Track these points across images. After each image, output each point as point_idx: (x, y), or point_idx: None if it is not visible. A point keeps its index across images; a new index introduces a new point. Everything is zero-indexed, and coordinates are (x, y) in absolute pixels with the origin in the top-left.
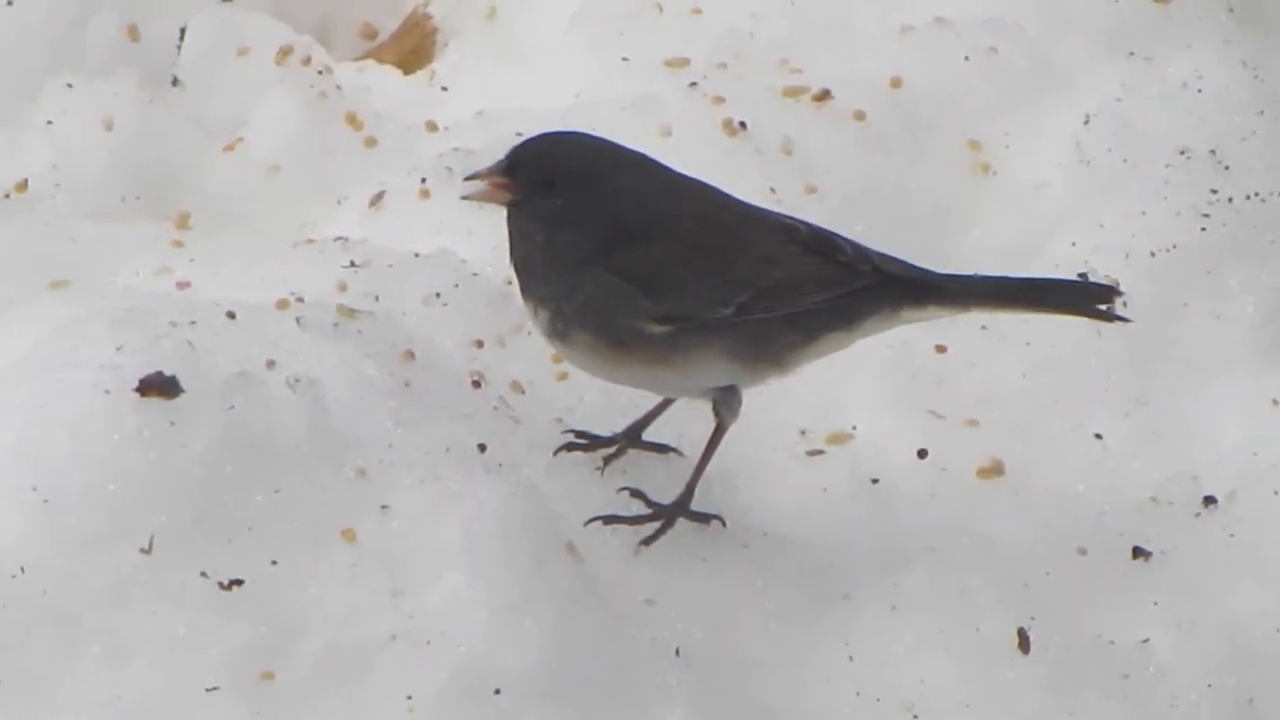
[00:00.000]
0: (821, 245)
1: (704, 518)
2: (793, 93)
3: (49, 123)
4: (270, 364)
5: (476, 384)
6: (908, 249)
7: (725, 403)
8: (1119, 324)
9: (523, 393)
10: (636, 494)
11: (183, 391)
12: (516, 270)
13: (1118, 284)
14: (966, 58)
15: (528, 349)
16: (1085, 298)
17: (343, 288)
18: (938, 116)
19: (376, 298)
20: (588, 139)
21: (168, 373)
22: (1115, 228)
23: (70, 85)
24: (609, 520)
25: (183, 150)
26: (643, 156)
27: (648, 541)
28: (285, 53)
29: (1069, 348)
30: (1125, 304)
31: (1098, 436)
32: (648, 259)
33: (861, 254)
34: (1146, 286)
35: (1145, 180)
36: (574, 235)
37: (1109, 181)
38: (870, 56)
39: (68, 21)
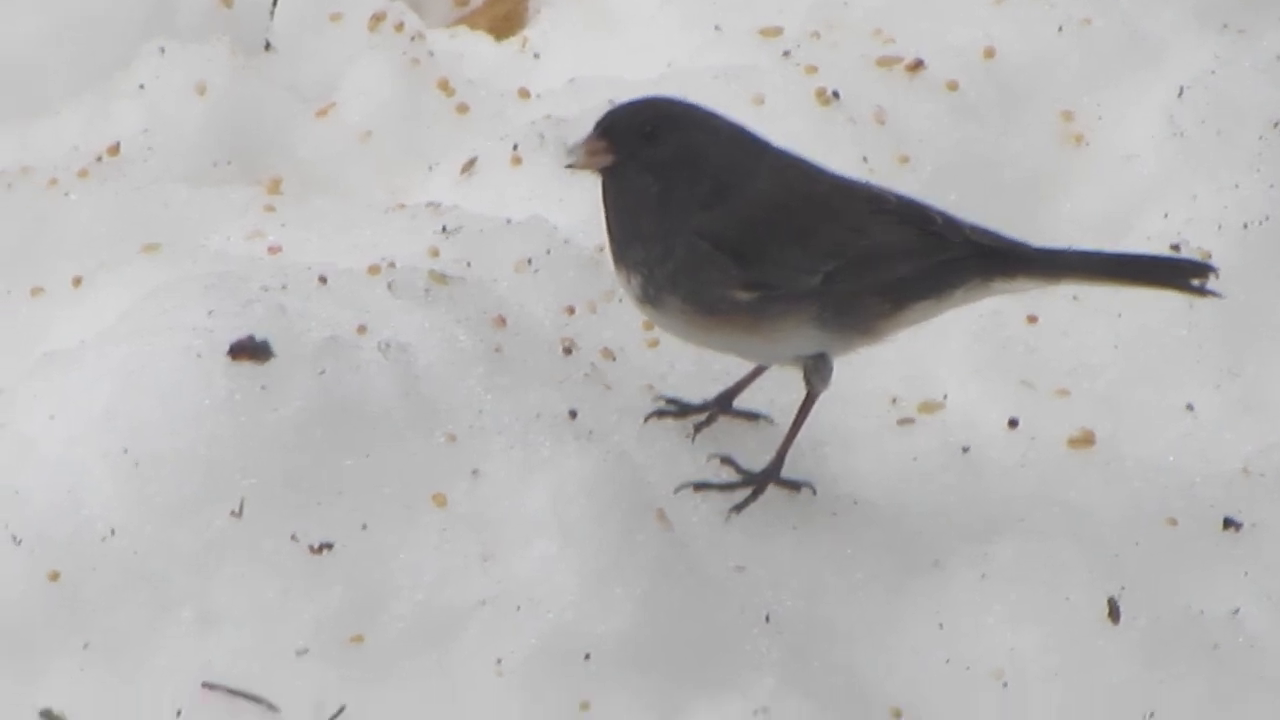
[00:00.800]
0: (912, 215)
1: (794, 485)
2: (886, 63)
3: (141, 87)
4: (361, 329)
5: (567, 350)
6: (999, 219)
7: (816, 370)
8: (1211, 299)
9: (613, 359)
10: (727, 461)
11: (274, 356)
12: (611, 237)
13: (1212, 261)
14: (1060, 28)
15: (619, 316)
16: (1179, 274)
17: (434, 253)
18: (1030, 87)
19: (468, 264)
20: (678, 100)
21: (259, 337)
22: (1207, 200)
23: (163, 50)
24: (700, 487)
25: (275, 115)
26: (732, 122)
27: (738, 508)
28: (378, 19)
29: (1160, 319)
30: (1218, 278)
31: (1189, 407)
32: (737, 225)
33: (952, 224)
34: (1239, 258)
35: (1238, 152)
36: (683, 181)
37: (1201, 153)
38: (963, 26)
39: None
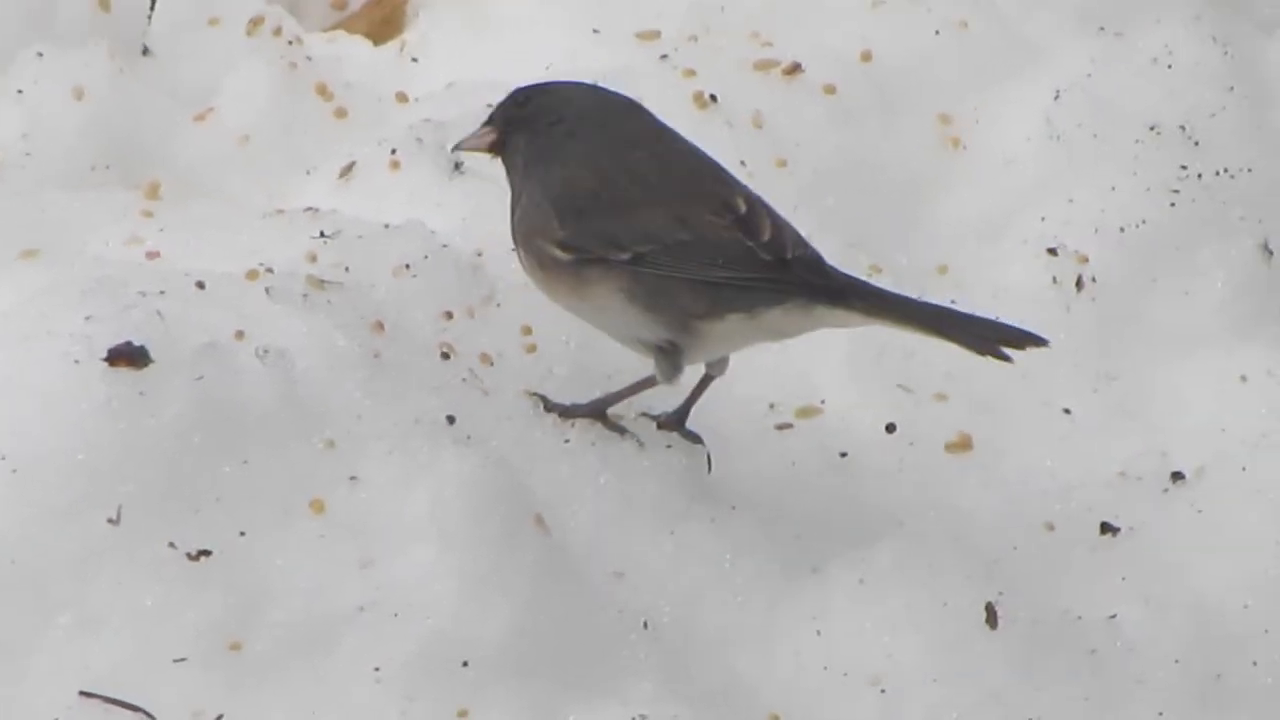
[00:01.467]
0: (748, 225)
1: (621, 429)
2: (763, 66)
3: (19, 92)
4: (239, 334)
5: (446, 355)
6: (878, 222)
7: (664, 357)
8: (1085, 299)
9: (492, 364)
10: (538, 396)
11: (152, 361)
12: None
13: (1043, 337)
14: (937, 32)
15: (497, 321)
16: (994, 337)
17: (312, 258)
18: (908, 90)
19: (346, 269)
20: (572, 82)
21: (137, 342)
22: (1085, 203)
23: (41, 55)
24: (547, 404)
25: (153, 120)
26: (622, 101)
27: (551, 408)
28: (256, 23)
29: (1038, 323)
30: (1049, 348)
31: (1066, 412)
32: (562, 184)
33: (779, 244)
34: (1116, 262)
35: (1115, 156)
36: (537, 140)
37: (1079, 157)
38: (841, 30)
39: None
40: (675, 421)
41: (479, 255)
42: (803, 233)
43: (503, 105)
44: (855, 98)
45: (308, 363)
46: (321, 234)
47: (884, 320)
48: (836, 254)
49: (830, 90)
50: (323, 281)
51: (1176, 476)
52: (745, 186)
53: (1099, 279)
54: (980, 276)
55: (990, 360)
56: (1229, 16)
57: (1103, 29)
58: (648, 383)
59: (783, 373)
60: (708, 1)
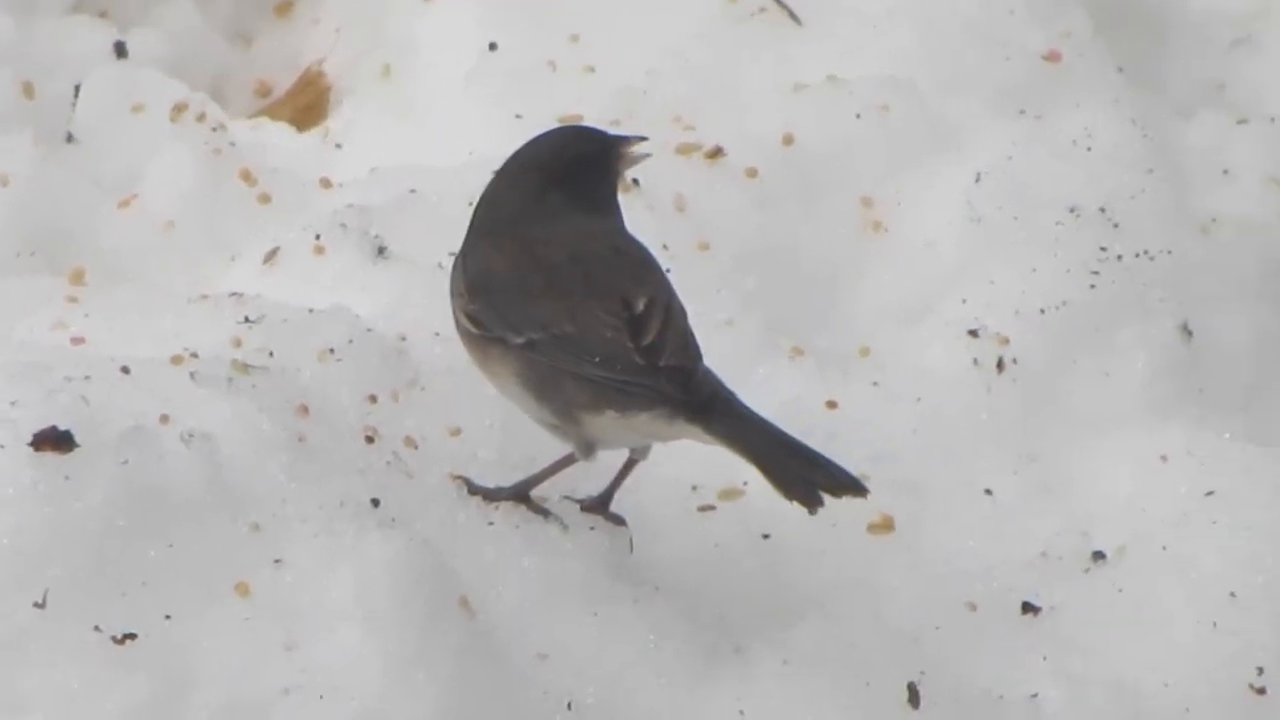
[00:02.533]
0: (636, 327)
1: (544, 511)
2: (686, 150)
3: None
4: (164, 419)
5: (370, 439)
6: (800, 305)
7: (580, 445)
8: (1006, 380)
9: (416, 448)
10: (464, 480)
11: (77, 446)
12: None
13: (864, 487)
14: (858, 115)
15: (421, 405)
16: (819, 481)
17: (237, 343)
18: (830, 174)
19: (271, 353)
20: (528, 157)
21: (62, 427)
22: (1006, 285)
23: None
24: (471, 488)
25: (78, 206)
26: (563, 172)
27: (475, 491)
28: (180, 109)
29: (959, 404)
30: (865, 499)
31: (988, 492)
32: (477, 260)
33: (657, 350)
34: (1037, 343)
35: (1036, 238)
36: (478, 210)
37: (1000, 239)
38: (763, 114)
39: None
40: (599, 504)
41: (403, 339)
42: (724, 315)
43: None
44: (777, 181)
45: (233, 446)
46: (246, 319)
47: (724, 445)
48: (758, 337)
49: (752, 173)
50: (247, 366)
51: (1097, 556)
52: (660, 288)
53: (1020, 360)
54: (901, 358)
55: (796, 506)
56: (1148, 99)
57: (1023, 112)
58: (568, 460)
59: (706, 455)
60: (630, 85)
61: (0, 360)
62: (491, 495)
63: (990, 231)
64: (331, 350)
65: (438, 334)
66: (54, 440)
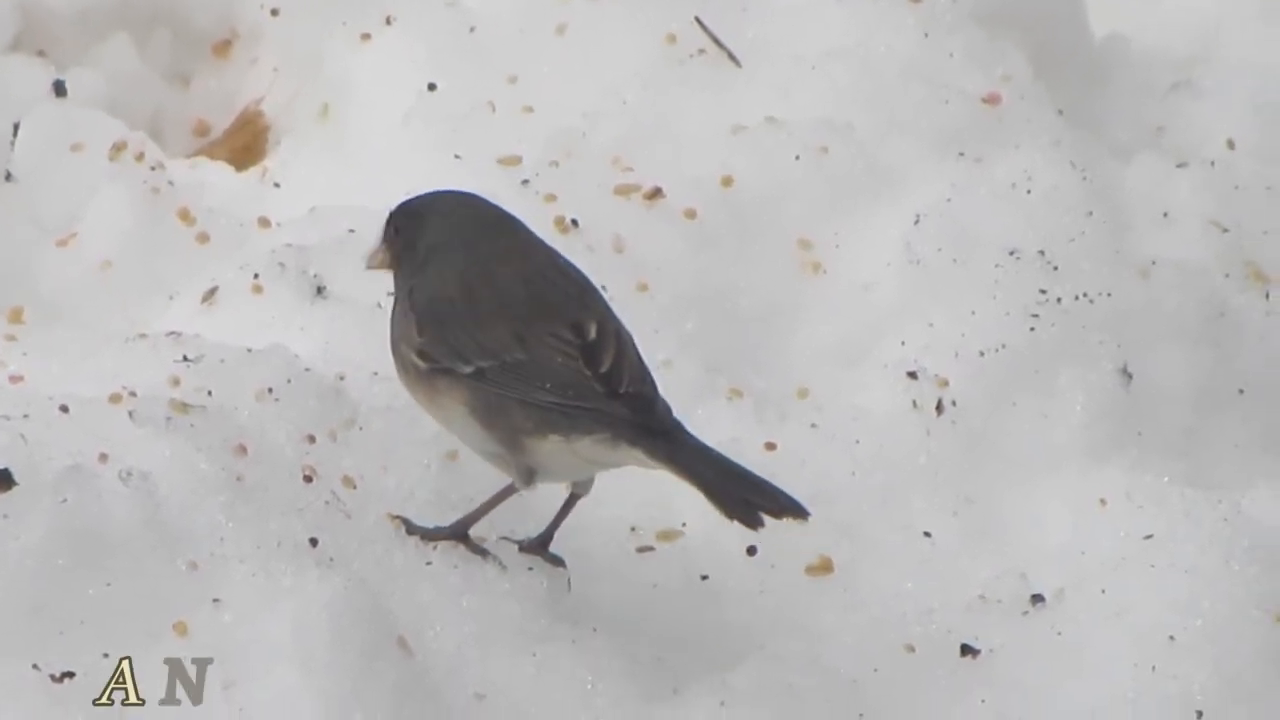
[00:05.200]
0: (590, 353)
1: (483, 551)
2: (624, 191)
3: None
4: (103, 458)
5: (308, 479)
6: (738, 346)
7: (520, 475)
8: (945, 422)
9: (354, 487)
10: (402, 520)
11: (15, 484)
12: None
13: (805, 510)
14: (797, 157)
15: (359, 444)
16: (759, 503)
17: (175, 382)
18: (768, 215)
19: (209, 392)
20: (451, 193)
21: (0, 465)
22: (945, 327)
23: None
24: (409, 527)
25: (16, 245)
26: (497, 214)
27: (414, 531)
28: (118, 149)
29: (898, 446)
30: (805, 522)
31: (926, 534)
32: (426, 294)
33: (617, 376)
34: (975, 386)
35: (975, 280)
36: (411, 249)
37: (939, 281)
38: (701, 155)
39: None
40: (539, 545)
41: (341, 379)
42: (663, 356)
43: (387, 222)
44: (716, 222)
45: (171, 486)
46: (184, 358)
47: (666, 468)
48: (697, 378)
49: (691, 215)
50: (186, 405)
51: (1036, 599)
52: (608, 313)
53: (959, 402)
54: (840, 400)
55: (736, 524)
56: (1088, 142)
57: (962, 154)
58: (508, 491)
59: (644, 495)
60: (569, 127)
61: None
62: (430, 535)
63: (929, 273)
64: (270, 390)
65: (376, 373)
66: None
